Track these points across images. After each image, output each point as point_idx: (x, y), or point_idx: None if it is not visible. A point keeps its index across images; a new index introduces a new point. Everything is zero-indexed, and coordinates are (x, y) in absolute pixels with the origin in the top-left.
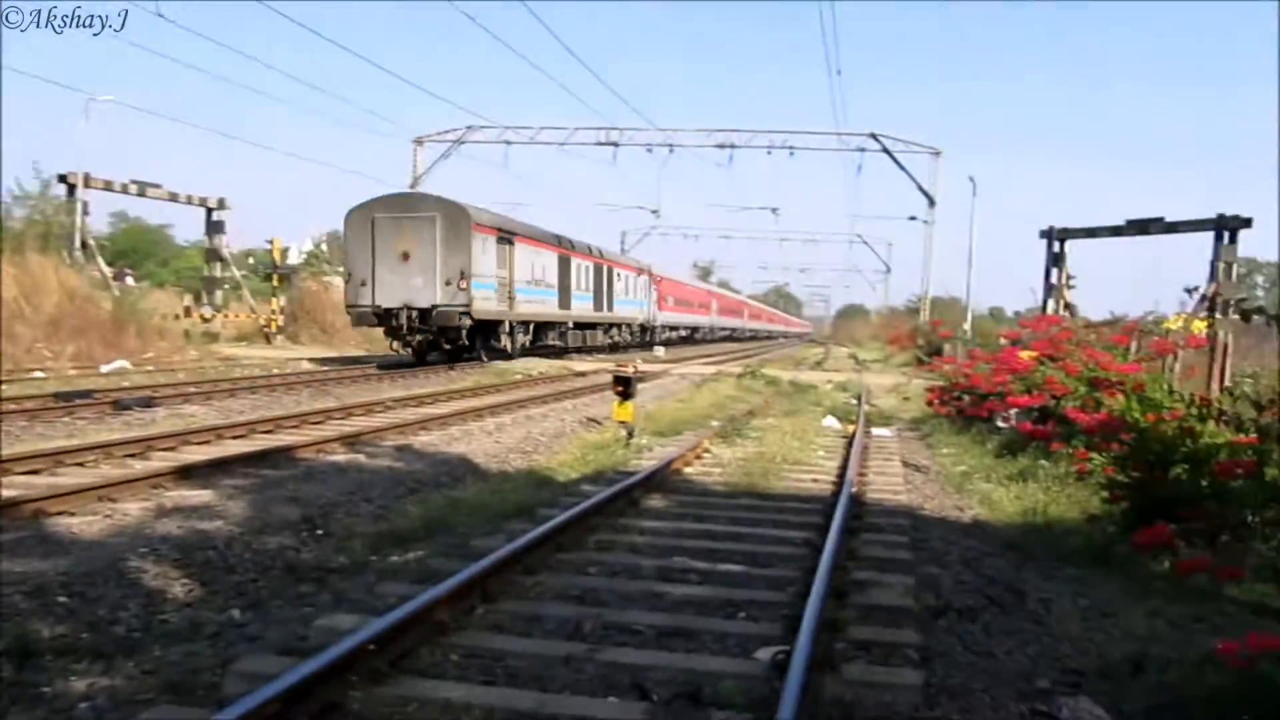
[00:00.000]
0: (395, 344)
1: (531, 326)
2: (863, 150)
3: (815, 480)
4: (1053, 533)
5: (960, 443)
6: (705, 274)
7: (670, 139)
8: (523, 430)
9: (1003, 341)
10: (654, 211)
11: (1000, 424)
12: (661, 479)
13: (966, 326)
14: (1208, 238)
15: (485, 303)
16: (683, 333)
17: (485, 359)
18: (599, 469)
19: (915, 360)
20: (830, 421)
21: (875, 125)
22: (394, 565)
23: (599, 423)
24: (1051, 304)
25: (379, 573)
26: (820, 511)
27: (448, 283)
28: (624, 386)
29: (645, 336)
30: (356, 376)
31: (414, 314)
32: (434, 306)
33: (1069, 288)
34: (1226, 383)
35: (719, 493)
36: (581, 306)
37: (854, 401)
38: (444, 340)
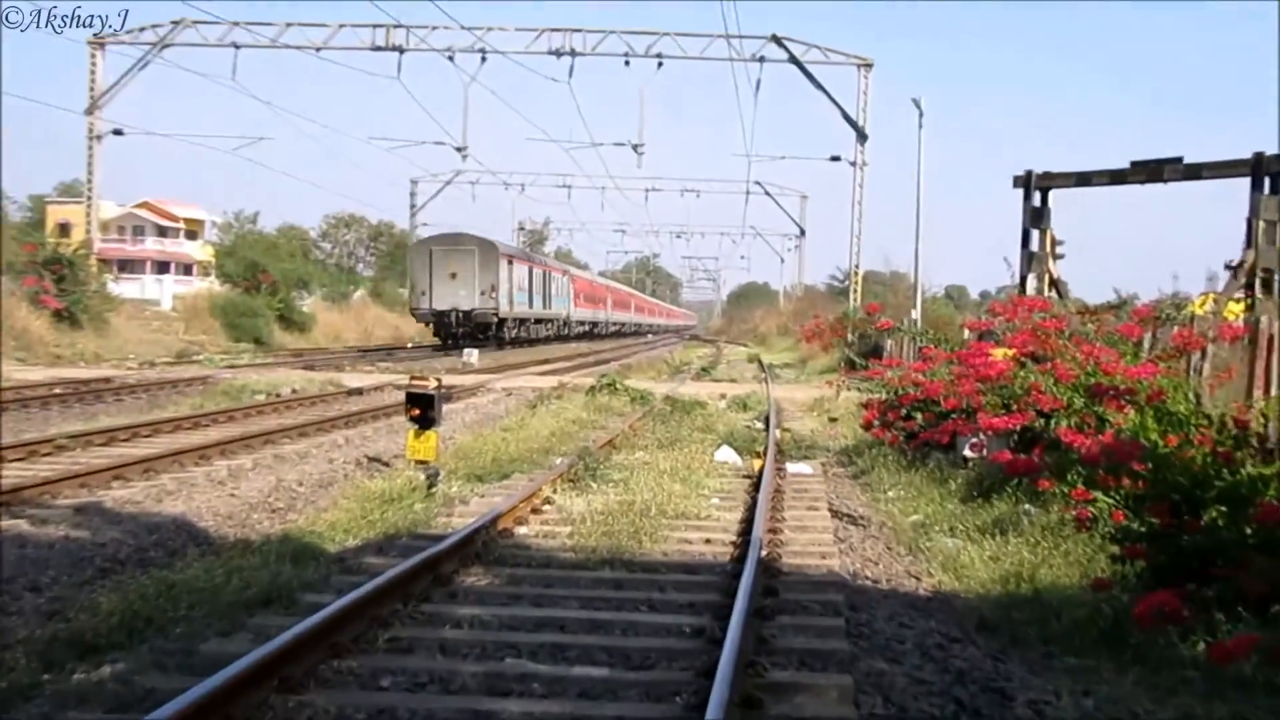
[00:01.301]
0: (438, 334)
1: (517, 322)
2: (763, 61)
3: (708, 541)
4: (1044, 606)
5: (912, 481)
6: (537, 240)
7: (481, 41)
8: (271, 477)
9: (967, 335)
10: (460, 150)
11: (968, 453)
12: (483, 544)
13: (916, 314)
14: (1243, 188)
15: (504, 306)
16: (586, 327)
17: (497, 346)
18: (389, 532)
19: (844, 363)
20: (727, 454)
21: (782, 28)
22: (80, 686)
23: (385, 464)
24: (1033, 281)
25: (57, 698)
26: (717, 586)
27: (482, 293)
28: (422, 410)
29: (564, 330)
30: (9, 401)
31: (460, 314)
32: (473, 309)
33: (1056, 257)
34: (1274, 388)
35: (569, 563)
36: (537, 306)
37: (760, 425)
38: (478, 332)
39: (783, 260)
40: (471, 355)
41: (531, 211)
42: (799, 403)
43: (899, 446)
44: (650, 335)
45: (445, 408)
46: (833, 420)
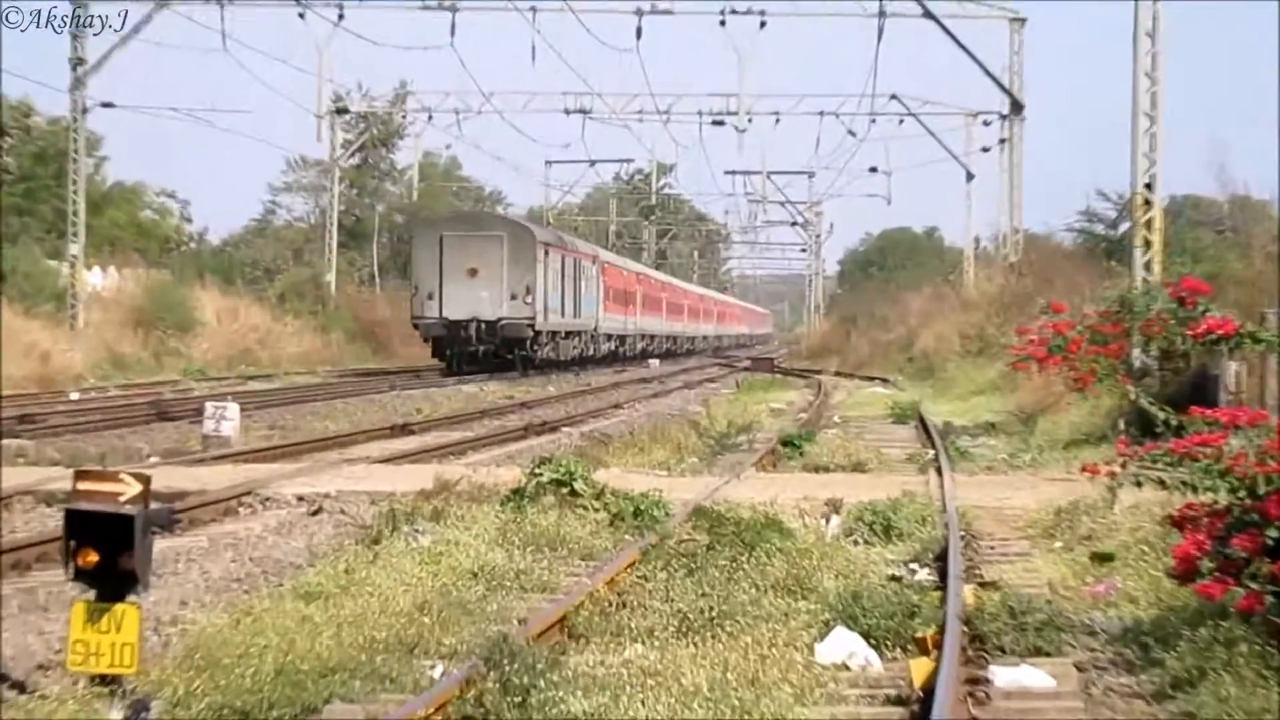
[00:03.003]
0: (440, 354)
1: (550, 337)
2: None
3: None
4: None
5: None
6: (385, 139)
7: None
8: None
9: None
10: None
11: None
12: None
13: None
14: None
15: (540, 315)
16: (614, 343)
17: (521, 371)
18: None
19: (1125, 422)
20: (844, 645)
21: None
22: None
23: (18, 686)
24: None
25: None
26: None
27: (513, 297)
28: (106, 555)
29: (590, 348)
30: None
31: (482, 326)
32: (501, 319)
33: None
34: None
35: None
36: (569, 314)
37: (923, 573)
38: (504, 351)
39: (969, 175)
40: (226, 419)
41: (365, 71)
42: (1017, 517)
43: (1262, 619)
44: (653, 362)
45: (163, 546)
46: (1101, 560)
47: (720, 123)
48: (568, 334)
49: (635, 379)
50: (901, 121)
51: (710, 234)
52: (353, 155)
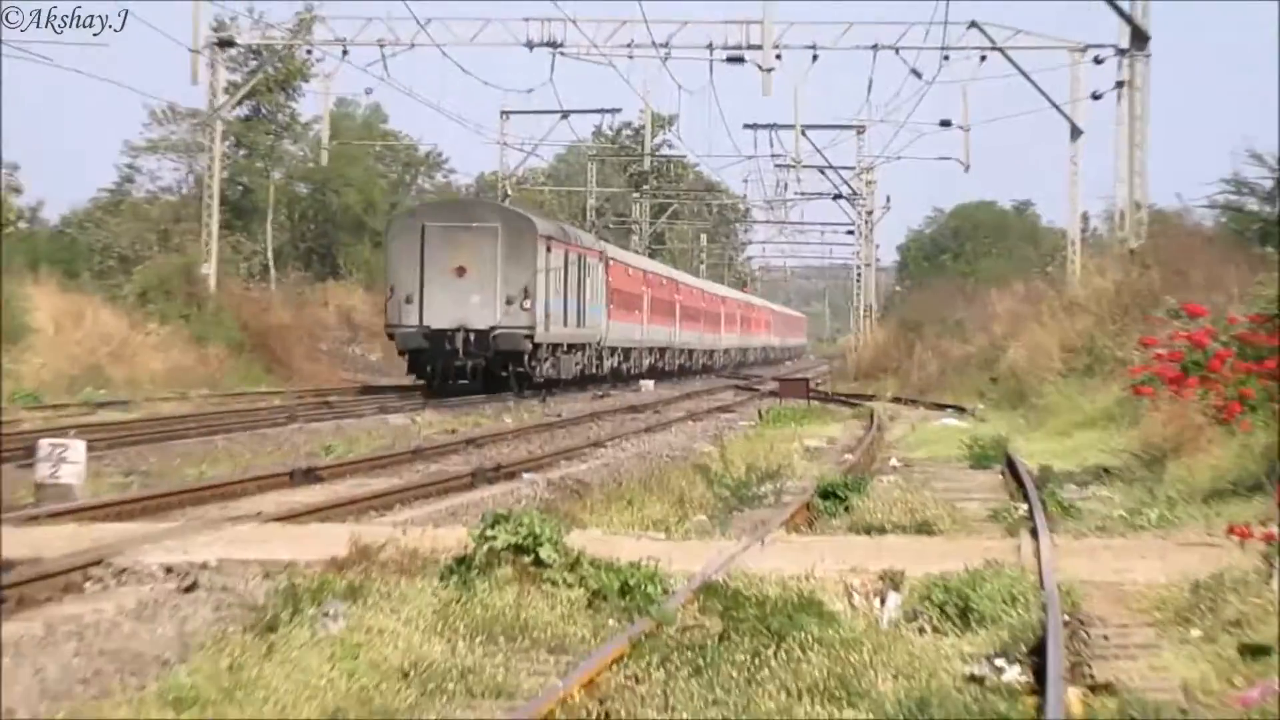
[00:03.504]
0: (419, 370)
1: (550, 350)
2: None
3: None
4: None
5: None
6: (289, 74)
7: None
8: None
9: None
10: None
11: None
12: None
13: None
14: None
15: (541, 324)
16: (618, 358)
17: (516, 393)
18: None
19: None
20: None
21: None
22: None
23: None
24: None
25: None
26: None
27: (509, 301)
28: None
29: (595, 365)
30: None
31: (471, 337)
32: (494, 329)
33: None
34: None
35: None
36: (572, 322)
37: (1012, 673)
38: (496, 367)
39: (1075, 130)
40: (68, 461)
41: None
42: (1140, 595)
43: None
44: (645, 384)
45: None
46: (1254, 654)
47: (738, 60)
48: (570, 347)
49: (622, 407)
50: (984, 59)
51: (723, 210)
52: (240, 103)
